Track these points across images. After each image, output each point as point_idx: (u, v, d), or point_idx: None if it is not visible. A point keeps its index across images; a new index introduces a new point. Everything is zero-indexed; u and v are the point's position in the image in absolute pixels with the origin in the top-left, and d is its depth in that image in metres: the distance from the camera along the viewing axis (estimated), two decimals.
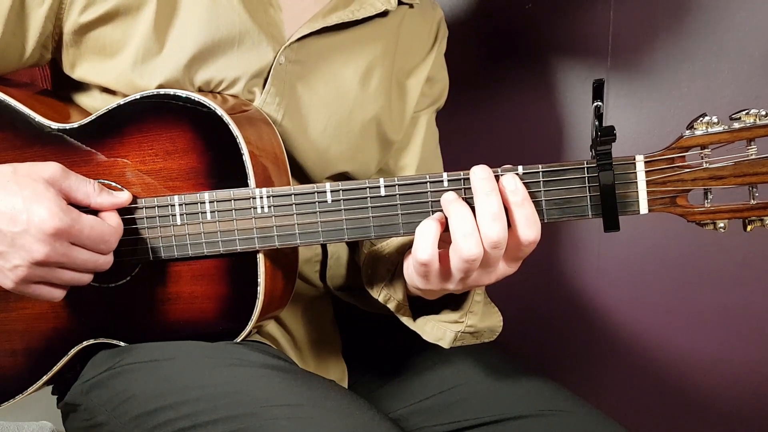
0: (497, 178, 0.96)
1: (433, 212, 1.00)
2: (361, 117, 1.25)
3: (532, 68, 1.75)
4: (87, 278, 1.04)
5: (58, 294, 1.03)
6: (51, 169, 0.99)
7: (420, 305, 1.16)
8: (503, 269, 0.99)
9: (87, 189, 1.02)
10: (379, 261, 1.22)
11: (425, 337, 1.14)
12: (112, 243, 1.03)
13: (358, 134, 1.25)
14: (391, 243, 1.23)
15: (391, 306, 1.18)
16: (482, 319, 1.12)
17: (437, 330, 1.13)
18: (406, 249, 1.07)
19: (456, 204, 0.95)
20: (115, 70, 1.12)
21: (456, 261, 0.95)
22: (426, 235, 0.96)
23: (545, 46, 1.72)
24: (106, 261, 1.03)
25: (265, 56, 1.15)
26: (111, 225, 1.03)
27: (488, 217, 0.93)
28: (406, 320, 1.17)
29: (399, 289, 1.16)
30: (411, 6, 1.33)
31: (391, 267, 1.18)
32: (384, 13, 1.26)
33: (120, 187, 1.09)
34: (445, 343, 1.12)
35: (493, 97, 1.81)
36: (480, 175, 0.95)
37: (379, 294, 1.19)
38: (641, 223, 1.66)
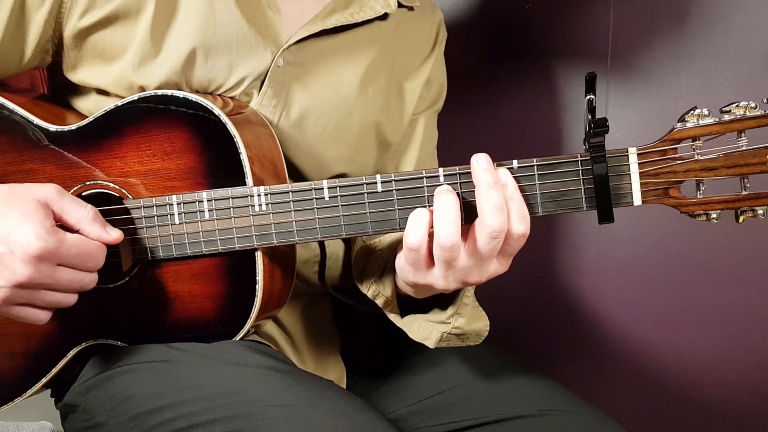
0: None
1: (430, 207, 1.00)
2: (360, 119, 1.25)
3: (532, 68, 1.75)
4: (72, 299, 1.02)
5: (43, 316, 1.01)
6: (45, 189, 0.98)
7: (409, 305, 1.16)
8: (494, 267, 0.99)
9: (80, 214, 1.00)
10: (370, 257, 1.23)
11: (411, 335, 1.15)
12: (100, 259, 1.01)
13: (357, 136, 1.26)
14: (384, 240, 1.24)
15: (380, 302, 1.18)
16: (469, 322, 1.12)
17: (423, 329, 1.13)
18: (398, 246, 1.07)
19: (445, 193, 0.96)
20: (114, 73, 1.13)
21: (436, 248, 0.96)
22: (417, 220, 0.97)
23: (545, 46, 1.73)
24: (91, 280, 1.02)
25: (263, 59, 1.16)
26: (96, 243, 1.01)
27: (492, 208, 0.93)
28: (394, 317, 1.18)
29: (388, 285, 1.16)
30: (411, 9, 1.33)
31: (382, 263, 1.19)
32: (383, 16, 1.27)
33: (119, 187, 1.09)
34: (430, 343, 1.13)
35: (493, 97, 1.81)
36: (483, 165, 0.95)
37: (368, 289, 1.20)
38: (640, 222, 1.66)
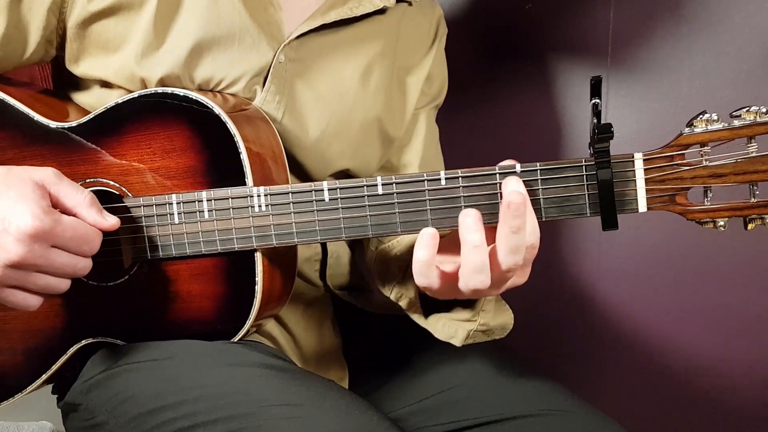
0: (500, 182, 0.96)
1: (431, 210, 1.00)
2: (362, 115, 1.25)
3: (533, 68, 1.75)
4: (65, 285, 1.01)
5: (34, 302, 0.99)
6: (43, 172, 0.98)
7: (432, 302, 1.15)
8: (512, 281, 1.00)
9: (77, 198, 0.99)
10: (390, 259, 1.23)
11: (437, 335, 1.14)
12: (96, 244, 1.00)
13: (359, 132, 1.26)
14: (402, 241, 1.23)
15: (403, 304, 1.18)
16: (494, 317, 1.12)
17: (449, 328, 1.13)
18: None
19: (473, 235, 0.93)
20: (116, 64, 1.12)
21: (464, 288, 0.96)
22: (422, 263, 0.96)
23: (545, 46, 1.73)
24: (85, 265, 1.00)
25: (265, 55, 1.16)
26: (92, 228, 1.00)
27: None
28: (418, 318, 1.17)
29: (411, 287, 1.16)
30: (410, 3, 1.33)
31: (403, 265, 1.18)
32: (382, 11, 1.26)
33: (118, 185, 1.09)
34: (456, 341, 1.12)
35: (493, 97, 1.81)
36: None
37: (391, 292, 1.19)
38: (641, 223, 1.66)
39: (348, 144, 1.25)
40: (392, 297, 1.19)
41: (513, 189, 0.94)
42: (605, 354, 1.80)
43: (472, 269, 0.93)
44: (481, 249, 0.92)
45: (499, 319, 1.13)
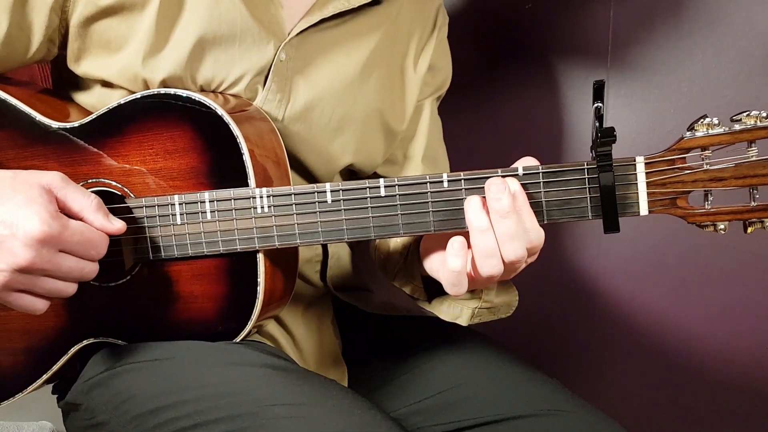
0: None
1: (433, 212, 1.01)
2: (364, 108, 1.25)
3: (533, 68, 1.75)
4: (71, 289, 1.01)
5: (41, 305, 1.00)
6: (50, 176, 0.98)
7: (435, 286, 1.15)
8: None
9: (83, 203, 0.99)
10: (391, 245, 1.23)
11: (442, 316, 1.15)
12: (102, 248, 1.01)
13: (362, 125, 1.25)
14: None
15: (407, 290, 1.19)
16: (498, 294, 1.13)
17: (454, 308, 1.14)
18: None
19: (478, 220, 0.96)
20: (119, 64, 1.12)
21: (479, 277, 0.98)
22: (458, 273, 0.98)
23: (545, 47, 1.73)
24: (92, 270, 1.01)
25: (267, 53, 1.15)
26: (99, 232, 1.01)
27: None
28: (422, 302, 1.18)
29: (415, 272, 1.17)
30: None
31: (404, 251, 1.19)
32: (380, 1, 1.26)
33: (121, 186, 1.09)
34: (463, 321, 1.14)
35: (493, 98, 1.81)
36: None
37: (394, 278, 1.20)
38: (641, 223, 1.66)
39: (351, 138, 1.25)
40: (396, 284, 1.20)
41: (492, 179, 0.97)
42: (605, 354, 1.80)
43: (482, 254, 0.95)
44: (488, 233, 0.94)
45: (503, 296, 1.14)
